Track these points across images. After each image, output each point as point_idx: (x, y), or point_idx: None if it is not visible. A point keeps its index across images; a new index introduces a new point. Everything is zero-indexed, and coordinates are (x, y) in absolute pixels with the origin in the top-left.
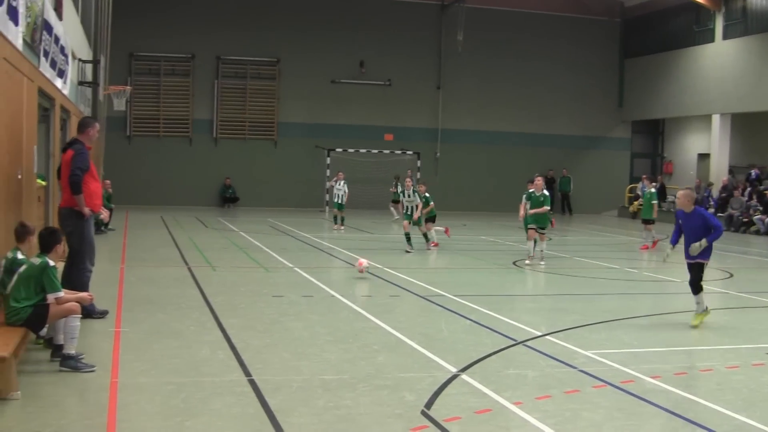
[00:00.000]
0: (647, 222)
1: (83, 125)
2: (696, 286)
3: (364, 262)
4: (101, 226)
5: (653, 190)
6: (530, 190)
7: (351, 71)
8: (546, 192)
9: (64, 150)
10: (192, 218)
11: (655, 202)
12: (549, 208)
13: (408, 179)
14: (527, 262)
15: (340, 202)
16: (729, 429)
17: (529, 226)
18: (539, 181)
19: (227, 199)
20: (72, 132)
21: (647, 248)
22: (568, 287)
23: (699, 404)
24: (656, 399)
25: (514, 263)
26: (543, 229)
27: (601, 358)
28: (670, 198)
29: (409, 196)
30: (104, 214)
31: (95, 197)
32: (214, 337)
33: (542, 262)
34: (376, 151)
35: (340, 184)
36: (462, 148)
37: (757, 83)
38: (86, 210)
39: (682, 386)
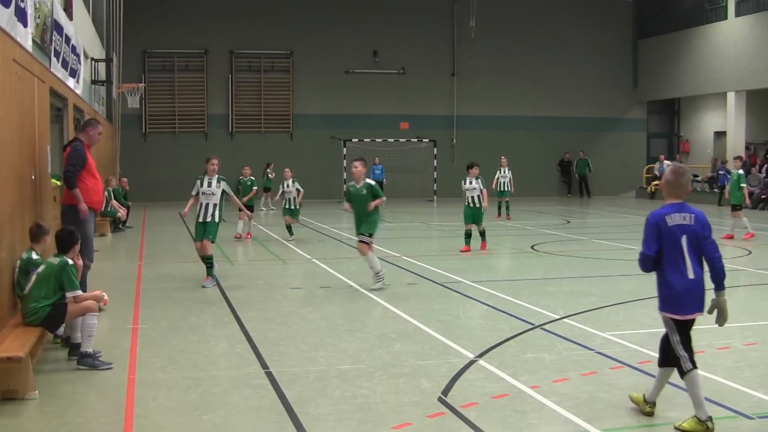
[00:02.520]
0: (736, 208)
1: (84, 124)
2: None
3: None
4: (119, 224)
5: (740, 171)
6: (350, 184)
7: (365, 61)
8: (370, 180)
9: (64, 148)
10: None
11: (744, 185)
12: (384, 199)
13: (288, 169)
14: (376, 287)
15: (291, 207)
16: (747, 406)
17: (359, 236)
18: (356, 167)
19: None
20: None
21: (750, 237)
22: (587, 270)
23: (716, 382)
24: (674, 379)
25: (532, 247)
26: (373, 235)
27: (618, 339)
28: None
29: (288, 186)
30: (122, 212)
31: (93, 194)
32: (232, 331)
33: (377, 285)
34: (392, 140)
35: (288, 185)
36: (478, 135)
37: None
38: (83, 206)
39: (700, 364)
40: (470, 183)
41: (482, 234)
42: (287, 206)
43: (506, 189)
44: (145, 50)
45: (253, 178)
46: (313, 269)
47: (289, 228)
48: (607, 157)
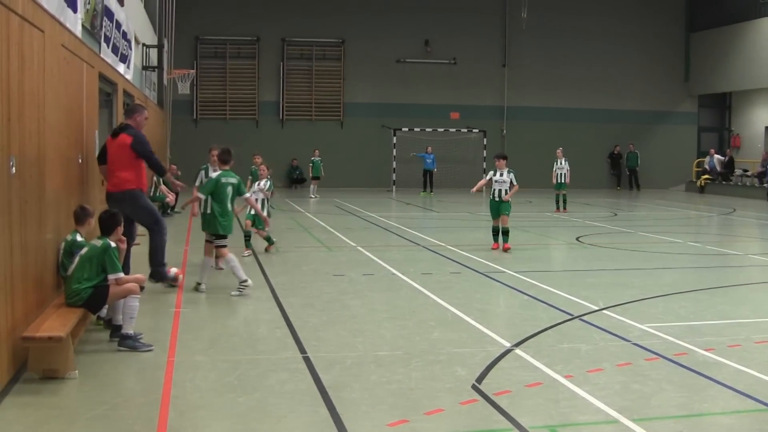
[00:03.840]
0: None
1: (132, 110)
2: None
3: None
4: (168, 209)
5: None
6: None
7: (416, 50)
8: (215, 173)
9: (115, 134)
10: None
11: None
12: (248, 195)
13: (261, 161)
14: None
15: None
16: None
17: (207, 237)
18: (255, 158)
19: (294, 180)
20: None
21: None
22: (630, 262)
23: (751, 376)
24: (708, 371)
25: (577, 239)
26: (221, 236)
27: (656, 331)
28: (738, 172)
29: (259, 184)
30: (170, 197)
31: (145, 176)
32: (273, 316)
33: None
34: (442, 129)
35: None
36: (528, 126)
37: None
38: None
39: (735, 358)
40: (500, 175)
41: (506, 234)
42: (250, 210)
43: (563, 181)
44: (197, 36)
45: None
46: (358, 257)
47: (247, 237)
48: (657, 150)
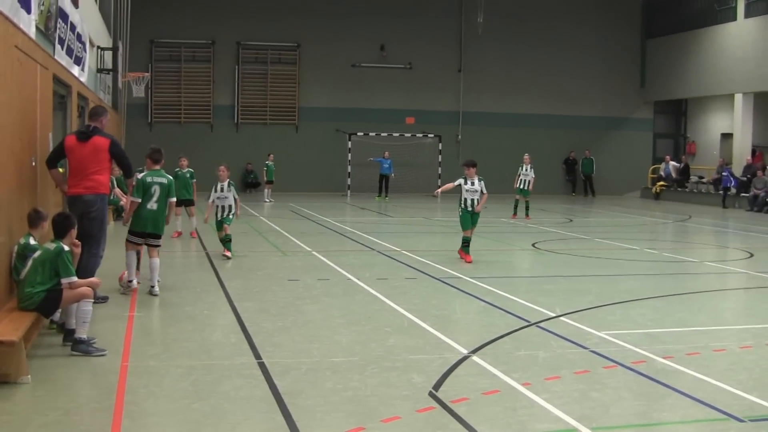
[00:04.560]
0: None
1: (98, 113)
2: None
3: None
4: (122, 213)
5: None
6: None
7: (372, 55)
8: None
9: (84, 137)
10: None
11: None
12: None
13: (223, 167)
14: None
15: (222, 216)
16: (739, 409)
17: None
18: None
19: (249, 184)
20: None
21: None
22: (587, 268)
23: (710, 384)
24: (666, 379)
25: (533, 245)
26: (157, 237)
27: (614, 338)
28: (693, 178)
29: (222, 190)
30: (124, 201)
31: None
32: (228, 321)
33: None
34: (397, 134)
35: (222, 188)
36: (483, 131)
37: None
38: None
39: (694, 366)
40: (471, 184)
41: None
42: (218, 217)
43: (526, 188)
44: (152, 40)
45: (192, 170)
46: (313, 261)
47: (226, 241)
48: (612, 156)
